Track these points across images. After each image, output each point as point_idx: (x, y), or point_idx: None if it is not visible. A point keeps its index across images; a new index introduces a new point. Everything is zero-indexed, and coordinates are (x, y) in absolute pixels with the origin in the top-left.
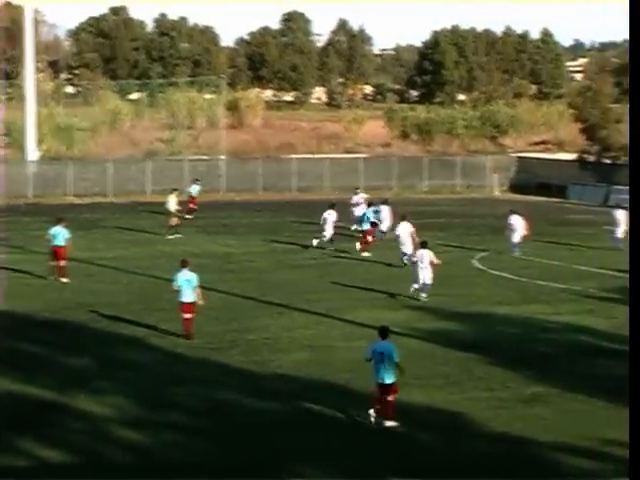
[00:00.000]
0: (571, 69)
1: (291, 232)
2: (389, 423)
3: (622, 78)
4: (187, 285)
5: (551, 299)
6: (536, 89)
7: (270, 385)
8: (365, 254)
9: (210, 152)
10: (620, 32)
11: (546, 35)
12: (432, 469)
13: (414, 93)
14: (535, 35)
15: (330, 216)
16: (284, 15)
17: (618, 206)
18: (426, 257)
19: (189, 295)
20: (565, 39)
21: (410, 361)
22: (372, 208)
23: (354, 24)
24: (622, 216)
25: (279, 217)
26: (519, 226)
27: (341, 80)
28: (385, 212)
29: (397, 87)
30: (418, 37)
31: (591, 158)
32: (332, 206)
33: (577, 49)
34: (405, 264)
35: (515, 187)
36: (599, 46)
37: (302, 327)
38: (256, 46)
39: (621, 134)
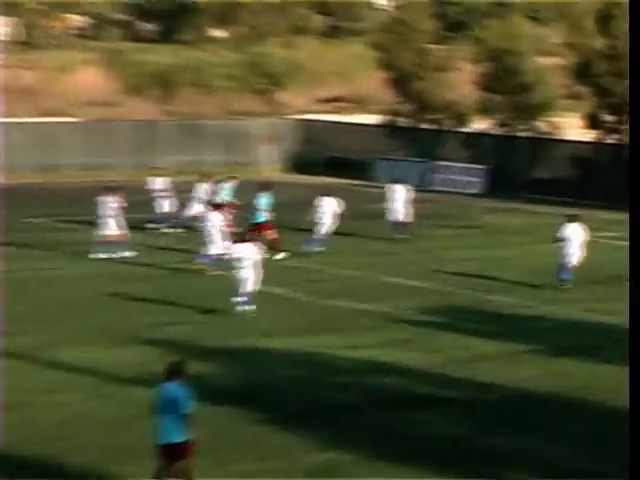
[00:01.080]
0: None
1: None
2: None
3: (445, 7)
4: None
5: (348, 326)
6: (324, 23)
7: None
8: (282, 255)
9: None
10: None
11: None
12: None
13: (148, 27)
14: None
15: (107, 204)
16: None
17: (394, 180)
18: (249, 254)
19: None
20: None
21: (148, 420)
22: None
23: None
24: (400, 194)
25: None
26: (329, 213)
27: (36, 6)
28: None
29: (122, 18)
30: None
31: (403, 122)
32: (109, 190)
33: None
34: (205, 270)
35: (296, 165)
36: None
37: None
38: None
39: (445, 87)
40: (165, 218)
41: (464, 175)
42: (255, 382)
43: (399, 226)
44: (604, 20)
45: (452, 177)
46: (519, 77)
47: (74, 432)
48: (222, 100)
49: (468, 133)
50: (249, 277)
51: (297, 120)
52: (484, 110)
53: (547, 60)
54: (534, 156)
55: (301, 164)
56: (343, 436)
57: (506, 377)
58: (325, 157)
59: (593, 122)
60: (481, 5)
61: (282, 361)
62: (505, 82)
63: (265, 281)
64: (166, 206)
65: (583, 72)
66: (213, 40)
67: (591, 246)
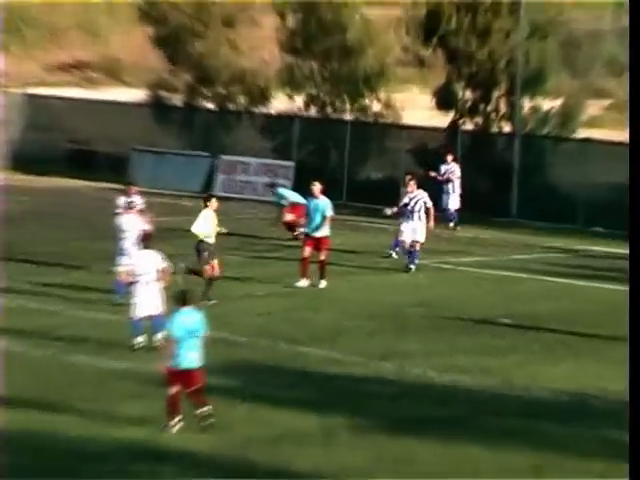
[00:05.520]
0: None
1: None
2: None
3: None
4: None
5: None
6: None
7: None
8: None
9: None
10: None
11: None
12: None
13: None
14: None
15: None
16: None
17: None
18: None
19: None
20: None
21: None
22: None
23: None
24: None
25: None
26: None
27: None
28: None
29: None
30: None
31: (176, 99)
32: None
33: None
34: None
35: (22, 161)
36: None
37: None
38: None
39: (236, 49)
40: None
41: (265, 175)
42: None
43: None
44: None
45: (247, 179)
46: (340, 35)
47: None
48: None
49: (269, 116)
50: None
51: (22, 96)
52: (292, 82)
53: (380, 12)
54: (362, 148)
55: (29, 160)
56: None
57: (324, 464)
58: (65, 150)
59: (445, 100)
60: None
61: None
62: (321, 42)
63: None
64: None
65: (431, 29)
66: None
67: (444, 276)
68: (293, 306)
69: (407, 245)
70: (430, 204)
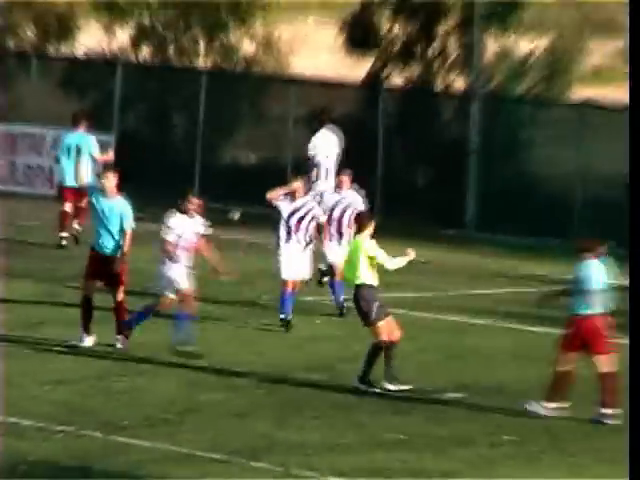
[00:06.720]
0: None
1: None
2: None
3: None
4: None
5: None
6: None
7: None
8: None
9: None
10: None
11: None
12: None
13: None
14: None
15: None
16: None
17: None
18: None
19: None
20: None
21: None
22: None
23: None
24: None
25: None
26: None
27: None
28: None
29: None
30: None
31: None
32: None
33: None
34: None
35: None
36: None
37: None
38: None
39: None
40: None
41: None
42: None
43: None
44: None
45: (37, 162)
46: None
47: None
48: None
49: (74, 60)
50: None
51: None
52: (111, 7)
53: None
54: (225, 115)
55: None
56: None
57: None
58: None
59: (360, 36)
60: None
61: None
62: None
63: None
64: None
65: None
66: None
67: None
68: (112, 370)
69: (289, 285)
70: (323, 219)
